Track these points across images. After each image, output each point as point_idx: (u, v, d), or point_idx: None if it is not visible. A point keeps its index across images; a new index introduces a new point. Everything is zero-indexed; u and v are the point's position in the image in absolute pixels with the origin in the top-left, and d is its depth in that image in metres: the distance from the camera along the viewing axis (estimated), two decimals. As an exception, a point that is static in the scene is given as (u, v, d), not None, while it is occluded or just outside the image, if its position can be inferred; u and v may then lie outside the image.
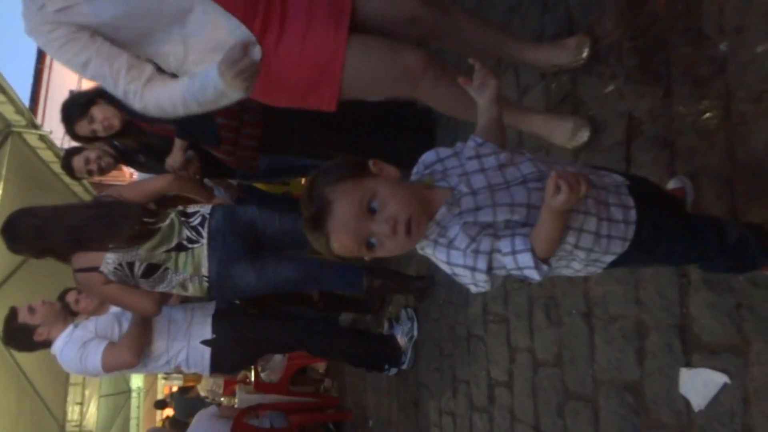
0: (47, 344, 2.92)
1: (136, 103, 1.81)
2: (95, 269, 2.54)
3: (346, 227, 1.07)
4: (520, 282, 1.15)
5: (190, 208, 2.72)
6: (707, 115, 1.60)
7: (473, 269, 1.09)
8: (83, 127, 3.01)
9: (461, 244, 1.09)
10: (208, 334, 3.04)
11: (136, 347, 2.81)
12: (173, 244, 2.58)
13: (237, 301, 3.49)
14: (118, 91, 1.80)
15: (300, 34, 1.78)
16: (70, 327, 2.89)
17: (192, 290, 2.67)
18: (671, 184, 1.66)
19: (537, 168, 1.14)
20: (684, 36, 1.69)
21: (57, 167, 5.66)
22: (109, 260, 2.52)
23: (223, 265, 2.62)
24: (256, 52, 1.58)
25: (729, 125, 1.54)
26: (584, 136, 2.00)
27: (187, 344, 3.00)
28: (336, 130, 2.80)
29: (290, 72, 1.81)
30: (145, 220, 2.55)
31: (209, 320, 3.08)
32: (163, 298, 2.84)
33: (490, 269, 1.09)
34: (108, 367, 2.79)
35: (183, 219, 2.63)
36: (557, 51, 2.05)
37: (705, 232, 1.25)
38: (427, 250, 1.17)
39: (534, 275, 1.08)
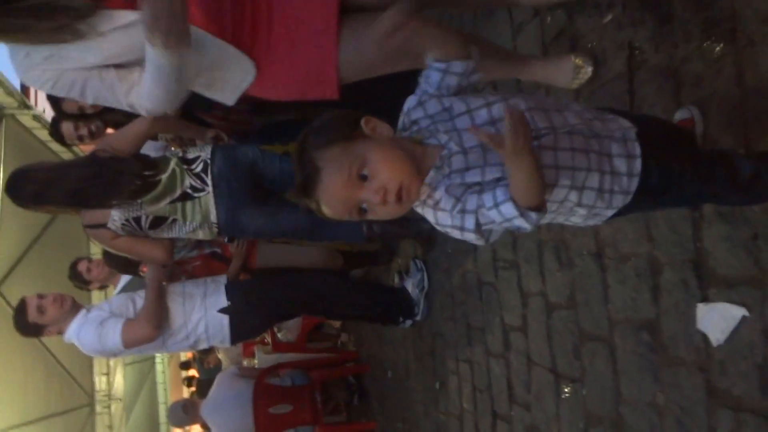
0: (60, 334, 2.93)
1: (143, 111, 1.83)
2: (103, 226, 2.52)
3: (335, 195, 1.05)
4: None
5: (190, 153, 2.65)
6: (712, 39, 1.51)
7: (461, 229, 1.07)
8: (70, 105, 2.94)
9: (447, 205, 1.06)
10: (223, 302, 3.04)
11: (154, 320, 2.82)
12: (177, 194, 2.54)
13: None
14: (124, 107, 1.81)
15: (288, 40, 1.72)
16: (83, 311, 2.88)
17: (202, 236, 2.67)
18: (678, 115, 1.59)
19: (534, 125, 1.07)
20: (683, -45, 1.59)
21: (54, 145, 5.63)
22: (115, 217, 2.50)
23: (230, 211, 2.60)
24: None
25: (736, 48, 1.46)
26: (588, 71, 1.92)
27: (205, 314, 3.00)
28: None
29: (285, 76, 1.77)
30: (145, 173, 2.50)
31: (223, 289, 3.08)
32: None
33: (478, 226, 1.06)
34: (129, 343, 2.79)
35: (185, 167, 2.58)
36: None
37: (715, 171, 1.19)
38: (417, 209, 1.14)
39: (522, 224, 1.04)
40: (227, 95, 1.82)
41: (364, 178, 1.04)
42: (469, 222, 1.05)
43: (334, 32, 1.70)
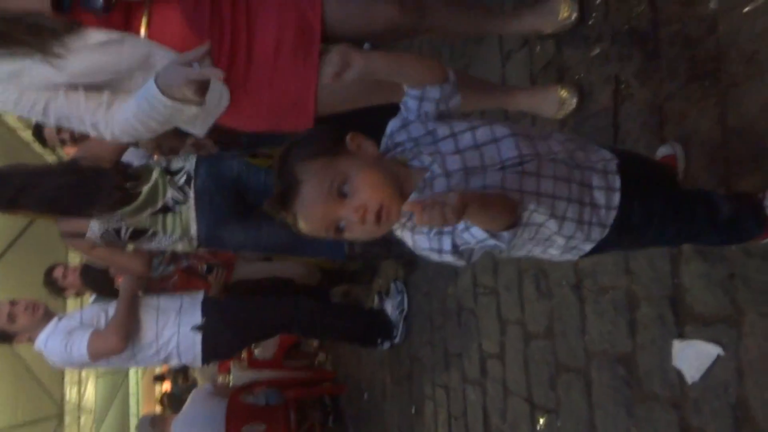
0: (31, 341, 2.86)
1: (108, 136, 1.73)
2: (81, 235, 2.47)
3: (313, 210, 1.03)
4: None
5: (174, 165, 2.60)
6: (697, 77, 1.53)
7: (440, 251, 1.05)
8: None
9: (424, 227, 1.04)
10: (198, 320, 2.99)
11: (122, 332, 2.75)
12: (158, 205, 2.49)
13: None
14: (86, 127, 1.72)
15: (268, 68, 1.70)
16: (54, 320, 2.82)
17: (181, 248, 2.63)
18: (662, 151, 1.60)
19: (519, 151, 1.07)
20: (672, -6, 1.61)
21: (37, 147, 5.58)
22: (94, 227, 2.45)
23: (211, 225, 2.56)
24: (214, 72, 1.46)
25: (720, 88, 1.47)
26: (572, 103, 1.93)
27: (178, 331, 2.94)
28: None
29: (260, 105, 1.74)
30: (126, 185, 2.45)
31: (199, 306, 3.03)
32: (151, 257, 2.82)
33: (455, 248, 1.04)
34: (94, 355, 2.72)
35: (168, 178, 2.54)
36: (542, 18, 1.95)
37: (696, 211, 1.19)
38: (396, 232, 1.12)
39: (496, 243, 1.02)
40: (198, 125, 1.76)
41: (344, 195, 1.01)
42: (446, 243, 1.04)
43: (315, 62, 1.69)
